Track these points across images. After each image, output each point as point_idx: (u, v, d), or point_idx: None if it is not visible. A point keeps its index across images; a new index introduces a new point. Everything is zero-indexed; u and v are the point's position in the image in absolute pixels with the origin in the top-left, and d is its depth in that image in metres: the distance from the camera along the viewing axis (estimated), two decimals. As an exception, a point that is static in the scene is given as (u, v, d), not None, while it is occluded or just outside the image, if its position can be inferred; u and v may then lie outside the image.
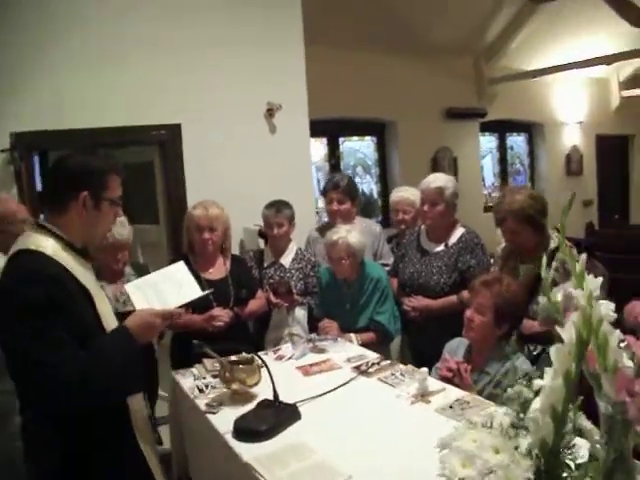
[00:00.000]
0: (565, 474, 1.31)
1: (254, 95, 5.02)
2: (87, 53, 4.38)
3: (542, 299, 3.31)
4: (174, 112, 4.71)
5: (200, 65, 4.78)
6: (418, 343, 3.84)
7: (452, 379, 2.74)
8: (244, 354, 2.90)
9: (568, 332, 1.26)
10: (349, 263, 3.65)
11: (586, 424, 1.32)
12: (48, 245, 2.02)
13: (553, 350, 1.28)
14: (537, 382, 1.31)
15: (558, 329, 1.29)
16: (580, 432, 1.34)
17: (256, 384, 2.71)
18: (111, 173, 2.17)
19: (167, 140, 4.76)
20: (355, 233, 3.68)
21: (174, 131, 4.75)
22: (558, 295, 2.15)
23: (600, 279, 1.37)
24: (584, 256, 1.40)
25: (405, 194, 4.45)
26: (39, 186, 4.95)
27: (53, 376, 1.86)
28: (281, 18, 5.21)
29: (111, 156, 2.26)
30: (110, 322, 2.17)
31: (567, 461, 1.31)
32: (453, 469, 1.22)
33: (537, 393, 1.36)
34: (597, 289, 1.34)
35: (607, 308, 1.31)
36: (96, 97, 4.38)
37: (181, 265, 2.69)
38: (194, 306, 3.52)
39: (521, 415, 1.36)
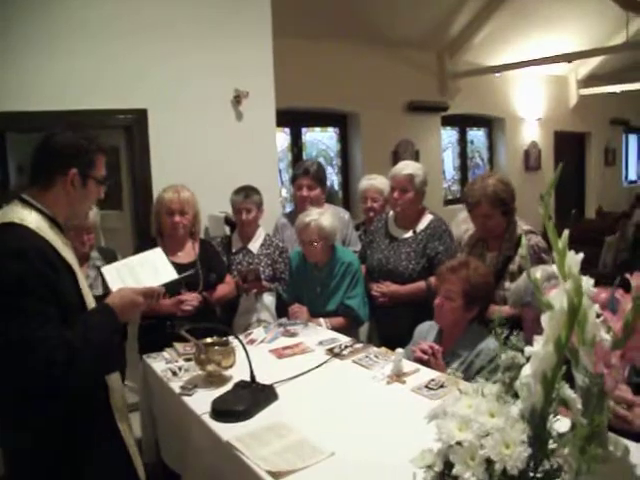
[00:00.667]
0: (550, 441, 1.33)
1: (221, 82, 4.97)
2: (53, 34, 4.28)
3: (509, 284, 3.39)
4: (140, 97, 4.64)
5: (167, 50, 4.71)
6: (386, 329, 3.87)
7: (427, 361, 2.77)
8: (216, 338, 2.89)
9: (559, 299, 1.28)
10: (320, 246, 3.65)
11: (569, 393, 1.34)
12: (32, 219, 2.01)
13: (544, 317, 1.30)
14: (528, 349, 1.33)
15: (549, 296, 1.31)
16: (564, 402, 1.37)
17: (231, 366, 2.70)
18: (98, 152, 2.18)
19: (133, 125, 4.68)
20: (327, 216, 3.69)
21: (140, 116, 4.67)
22: (537, 273, 2.19)
23: (581, 255, 1.39)
24: (567, 232, 1.42)
25: (374, 182, 4.47)
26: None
27: (39, 353, 1.85)
28: (250, 7, 5.16)
29: (97, 135, 2.24)
30: (90, 300, 2.17)
31: (551, 430, 1.34)
32: (450, 433, 1.23)
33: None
34: (578, 264, 1.36)
35: (587, 283, 1.33)
36: (61, 79, 4.29)
37: (158, 250, 2.69)
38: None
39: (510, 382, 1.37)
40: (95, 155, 2.16)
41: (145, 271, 2.50)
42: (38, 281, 1.89)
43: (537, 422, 1.30)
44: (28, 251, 1.90)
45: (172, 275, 2.57)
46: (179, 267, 3.51)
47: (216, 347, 2.73)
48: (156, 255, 2.67)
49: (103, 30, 4.45)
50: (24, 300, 1.87)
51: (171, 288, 2.90)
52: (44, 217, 2.06)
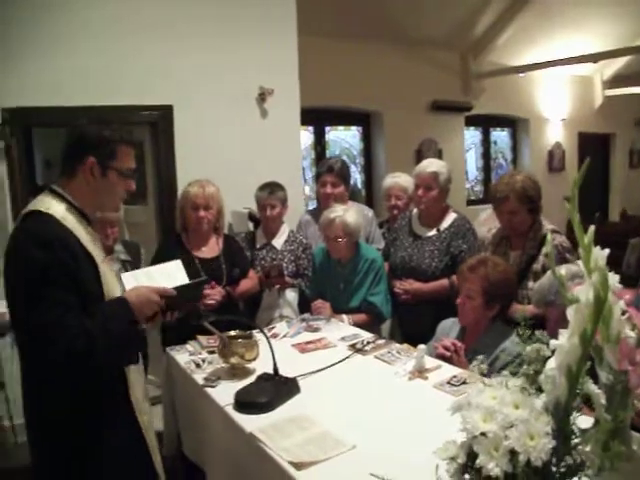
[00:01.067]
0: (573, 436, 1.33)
1: (246, 79, 5.01)
2: (81, 30, 4.34)
3: (532, 284, 3.38)
4: (166, 93, 4.69)
5: (194, 47, 4.76)
6: (408, 326, 3.87)
7: (449, 358, 2.77)
8: (239, 331, 2.91)
9: (585, 293, 1.28)
10: (345, 242, 3.65)
11: (593, 388, 1.34)
12: (59, 209, 2.06)
13: (570, 311, 1.30)
14: (553, 342, 1.34)
15: (577, 289, 1.31)
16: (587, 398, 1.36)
17: (254, 359, 2.72)
18: (121, 144, 2.17)
19: (158, 121, 4.74)
20: (352, 213, 3.70)
21: (166, 112, 4.73)
22: (562, 271, 2.18)
23: (607, 250, 1.38)
24: (593, 228, 1.42)
25: (399, 180, 4.48)
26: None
27: (59, 344, 1.89)
28: (276, 5, 5.19)
29: (127, 129, 2.26)
30: (112, 292, 2.17)
31: (573, 425, 1.34)
32: (475, 424, 1.24)
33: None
34: (605, 258, 1.35)
35: (612, 279, 1.33)
36: (88, 75, 4.35)
37: (178, 262, 2.69)
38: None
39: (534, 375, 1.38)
40: (117, 145, 2.16)
41: (163, 279, 2.50)
42: (60, 270, 1.92)
43: (561, 416, 1.30)
44: (53, 241, 1.95)
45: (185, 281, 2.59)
46: (203, 262, 3.58)
47: (240, 340, 2.75)
48: (175, 266, 2.68)
49: (131, 26, 4.51)
50: (46, 289, 1.90)
51: (186, 295, 2.86)
52: (71, 208, 2.10)
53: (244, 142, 5.04)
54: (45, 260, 1.91)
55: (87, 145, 2.12)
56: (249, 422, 2.23)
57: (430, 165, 3.85)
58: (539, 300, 2.78)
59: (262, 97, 5.08)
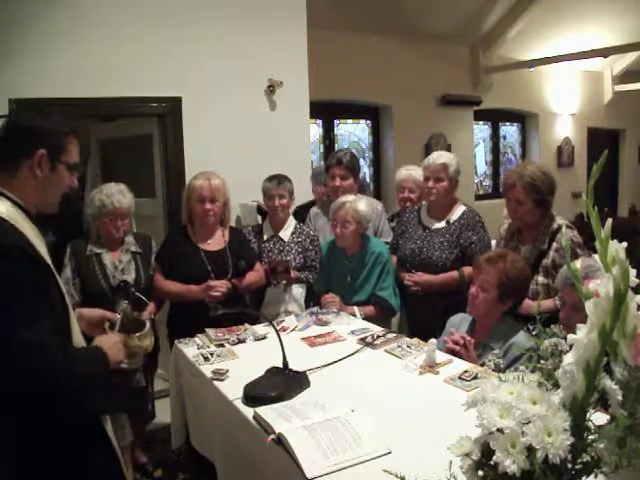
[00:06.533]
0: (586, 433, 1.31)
1: (256, 71, 5.00)
2: (89, 21, 4.33)
3: (542, 279, 3.36)
4: (175, 85, 4.68)
5: (203, 39, 4.75)
6: (418, 319, 3.87)
7: (459, 352, 2.74)
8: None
9: (604, 286, 1.26)
10: (353, 230, 3.66)
11: (610, 384, 1.32)
12: (2, 208, 1.80)
13: (589, 305, 1.28)
14: (571, 336, 1.31)
15: (595, 283, 1.28)
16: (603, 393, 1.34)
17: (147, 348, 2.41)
18: (71, 136, 1.96)
19: (167, 113, 4.72)
20: (364, 202, 3.73)
21: (174, 104, 4.72)
22: (577, 264, 2.15)
23: (624, 244, 1.36)
24: (610, 221, 1.39)
25: (413, 172, 4.46)
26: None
27: (46, 359, 1.68)
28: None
29: (69, 119, 2.01)
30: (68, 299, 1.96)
31: (588, 422, 1.31)
32: (491, 420, 1.21)
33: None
34: (623, 251, 1.33)
35: (630, 273, 1.30)
36: (97, 67, 4.34)
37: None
38: (192, 277, 3.53)
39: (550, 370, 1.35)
40: (67, 138, 1.93)
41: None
42: (27, 281, 1.71)
43: (577, 412, 1.28)
44: (10, 248, 1.71)
45: None
46: (209, 255, 3.57)
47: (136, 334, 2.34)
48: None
49: (140, 19, 4.50)
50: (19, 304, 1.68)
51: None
52: (15, 206, 1.84)
53: (253, 135, 5.02)
54: (11, 271, 1.68)
55: (35, 137, 1.87)
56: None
57: (440, 157, 3.86)
58: (564, 279, 2.72)
59: (271, 89, 5.06)
